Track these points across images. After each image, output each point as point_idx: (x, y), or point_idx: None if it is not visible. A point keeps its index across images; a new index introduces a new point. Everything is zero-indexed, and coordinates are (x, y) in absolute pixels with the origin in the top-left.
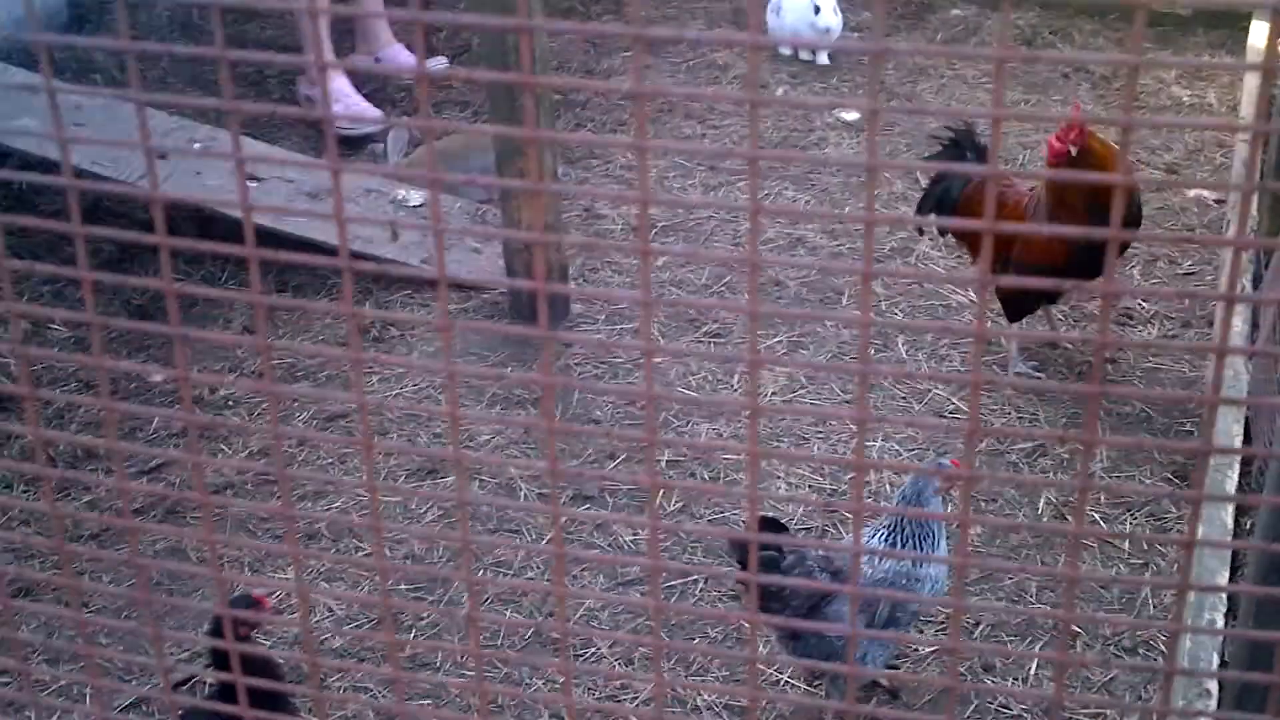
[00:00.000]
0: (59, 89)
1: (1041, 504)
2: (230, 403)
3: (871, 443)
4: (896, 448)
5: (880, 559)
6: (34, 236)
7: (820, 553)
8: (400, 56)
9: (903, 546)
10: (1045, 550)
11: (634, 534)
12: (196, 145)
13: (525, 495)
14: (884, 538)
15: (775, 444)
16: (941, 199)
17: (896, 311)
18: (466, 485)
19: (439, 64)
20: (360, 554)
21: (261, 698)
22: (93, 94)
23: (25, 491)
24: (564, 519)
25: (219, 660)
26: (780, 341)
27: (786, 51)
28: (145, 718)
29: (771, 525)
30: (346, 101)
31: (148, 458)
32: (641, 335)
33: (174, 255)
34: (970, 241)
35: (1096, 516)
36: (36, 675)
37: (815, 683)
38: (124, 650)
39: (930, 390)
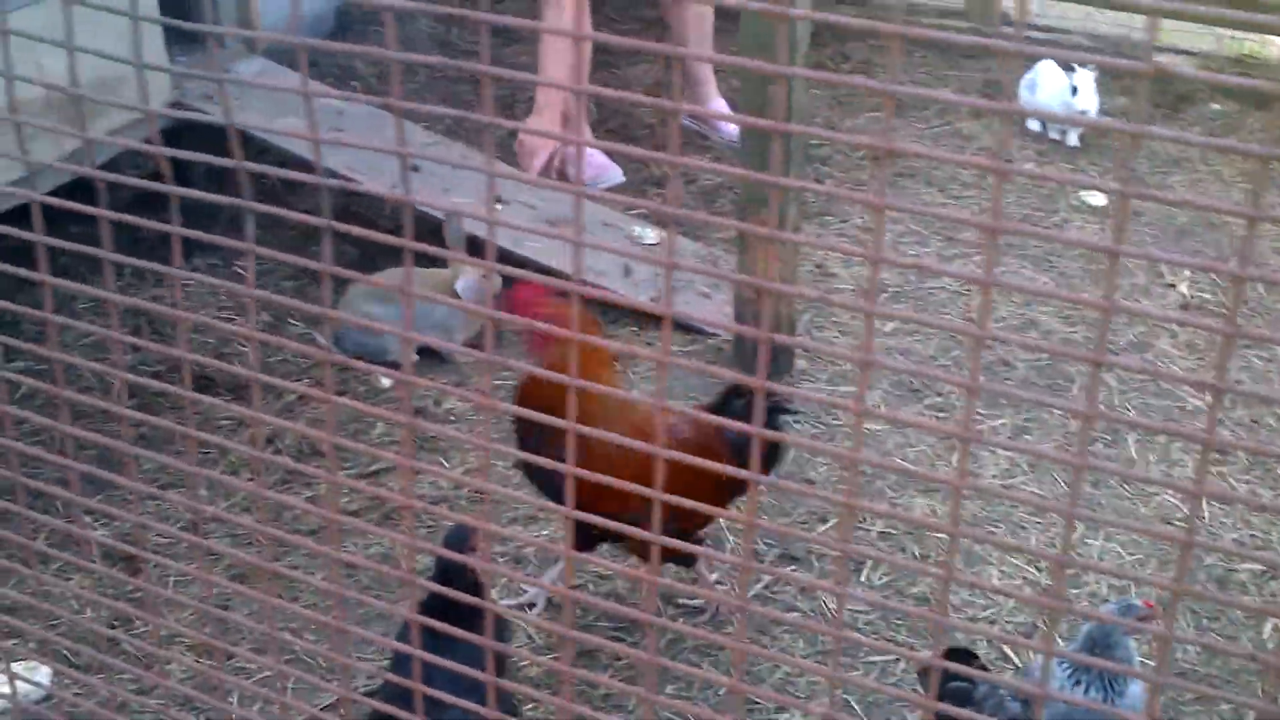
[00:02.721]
0: (323, 94)
1: (1268, 630)
2: (452, 417)
3: (1092, 540)
4: (1118, 549)
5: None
6: (281, 233)
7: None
8: (718, 109)
9: (1089, 687)
10: (1267, 678)
11: (837, 606)
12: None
13: (732, 548)
14: (1068, 673)
15: (990, 529)
16: None
17: (1128, 407)
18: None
19: (729, 133)
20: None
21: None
22: (350, 98)
23: (251, 479)
24: (769, 578)
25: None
26: (1005, 424)
27: (1036, 128)
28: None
29: (962, 655)
30: (591, 159)
31: (369, 460)
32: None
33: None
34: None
35: None
36: (244, 661)
37: None
38: (329, 647)
39: (1158, 495)
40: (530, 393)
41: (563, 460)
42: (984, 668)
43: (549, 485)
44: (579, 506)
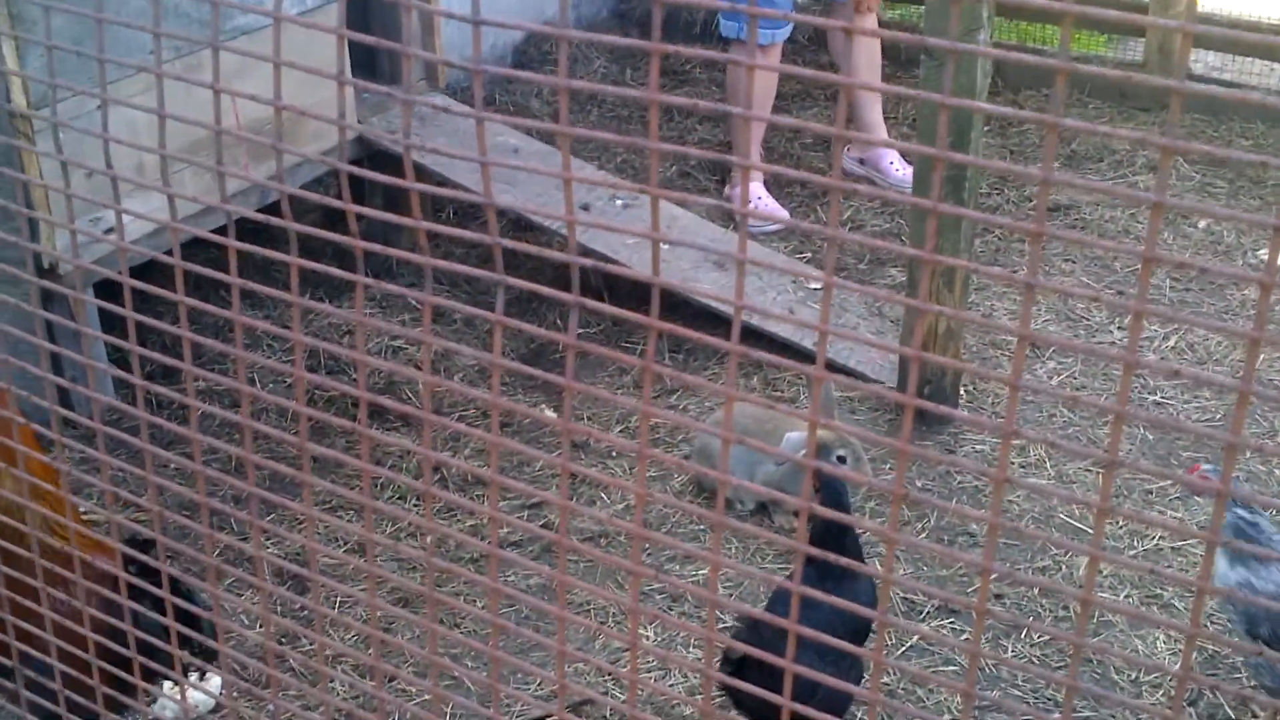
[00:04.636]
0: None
1: None
2: (613, 454)
3: None
4: None
5: None
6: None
7: None
8: (884, 161)
9: None
10: None
11: (995, 661)
12: (619, 203)
13: (893, 601)
14: None
15: (1159, 590)
16: None
17: None
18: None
19: (898, 178)
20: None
21: None
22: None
23: (415, 507)
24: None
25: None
26: (1172, 484)
27: None
28: None
29: None
30: (757, 203)
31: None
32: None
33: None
34: None
35: None
36: (405, 684)
37: None
38: (487, 676)
39: None
40: None
41: None
42: None
43: None
44: None
